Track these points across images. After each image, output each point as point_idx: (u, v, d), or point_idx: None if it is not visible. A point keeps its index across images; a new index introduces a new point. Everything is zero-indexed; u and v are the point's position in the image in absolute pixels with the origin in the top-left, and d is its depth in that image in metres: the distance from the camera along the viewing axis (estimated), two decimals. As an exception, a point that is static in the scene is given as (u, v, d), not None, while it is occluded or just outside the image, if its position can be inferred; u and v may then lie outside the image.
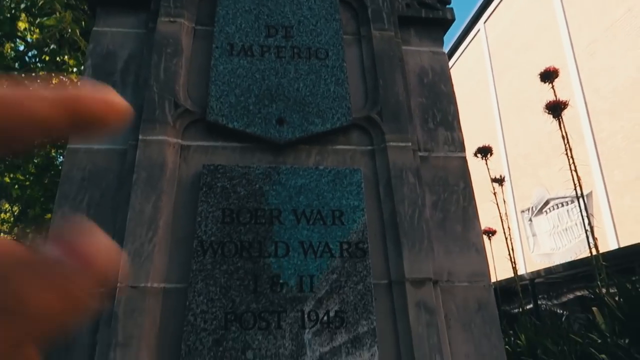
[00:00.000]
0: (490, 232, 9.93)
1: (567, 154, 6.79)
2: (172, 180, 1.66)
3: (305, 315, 1.48)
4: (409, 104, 1.88)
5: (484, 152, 9.36)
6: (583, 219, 6.41)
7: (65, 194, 1.65)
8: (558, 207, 11.65)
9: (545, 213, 12.14)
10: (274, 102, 1.79)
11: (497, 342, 1.55)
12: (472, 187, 1.79)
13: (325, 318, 1.48)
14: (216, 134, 1.76)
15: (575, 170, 6.63)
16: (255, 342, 1.44)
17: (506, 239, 8.16)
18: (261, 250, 1.55)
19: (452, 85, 1.97)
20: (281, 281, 1.52)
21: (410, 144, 1.76)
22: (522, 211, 12.99)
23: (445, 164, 1.82)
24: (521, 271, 11.09)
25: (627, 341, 4.78)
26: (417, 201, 1.67)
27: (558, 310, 9.52)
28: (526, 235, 12.81)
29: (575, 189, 6.72)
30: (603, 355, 5.16)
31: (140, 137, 1.68)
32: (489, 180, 8.87)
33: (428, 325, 1.50)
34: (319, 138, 1.78)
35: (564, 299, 9.98)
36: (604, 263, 6.05)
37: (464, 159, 1.83)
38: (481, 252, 1.69)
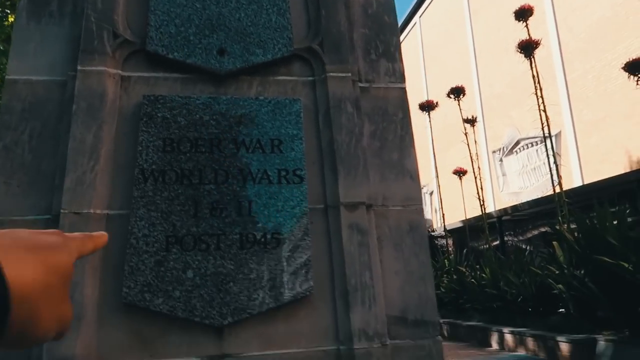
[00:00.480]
0: (461, 172, 10.15)
1: (536, 94, 6.86)
2: (112, 110, 1.67)
3: (244, 237, 1.56)
4: (352, 35, 1.90)
5: (457, 92, 9.36)
6: (549, 158, 6.59)
7: (6, 124, 1.65)
8: (528, 147, 11.90)
9: (515, 153, 12.39)
10: (214, 33, 1.79)
11: (424, 259, 1.67)
12: (409, 116, 1.85)
13: (263, 239, 1.57)
14: (157, 64, 1.76)
15: (545, 110, 6.74)
16: (195, 262, 1.52)
17: (475, 178, 8.37)
18: (201, 178, 1.61)
19: (395, 16, 1.98)
20: (220, 206, 1.59)
21: (350, 74, 1.79)
22: (494, 151, 13.23)
23: (386, 95, 1.87)
24: (490, 209, 11.47)
25: (582, 272, 5.08)
26: (355, 130, 1.72)
27: (523, 246, 9.97)
28: (496, 174, 13.12)
29: (542, 128, 6.85)
30: (560, 285, 5.50)
31: (79, 67, 1.67)
32: (462, 121, 8.95)
33: (360, 245, 1.60)
34: (261, 69, 1.79)
35: (529, 235, 10.42)
36: (566, 200, 6.29)
37: (404, 90, 1.87)
38: (415, 178, 1.77)
